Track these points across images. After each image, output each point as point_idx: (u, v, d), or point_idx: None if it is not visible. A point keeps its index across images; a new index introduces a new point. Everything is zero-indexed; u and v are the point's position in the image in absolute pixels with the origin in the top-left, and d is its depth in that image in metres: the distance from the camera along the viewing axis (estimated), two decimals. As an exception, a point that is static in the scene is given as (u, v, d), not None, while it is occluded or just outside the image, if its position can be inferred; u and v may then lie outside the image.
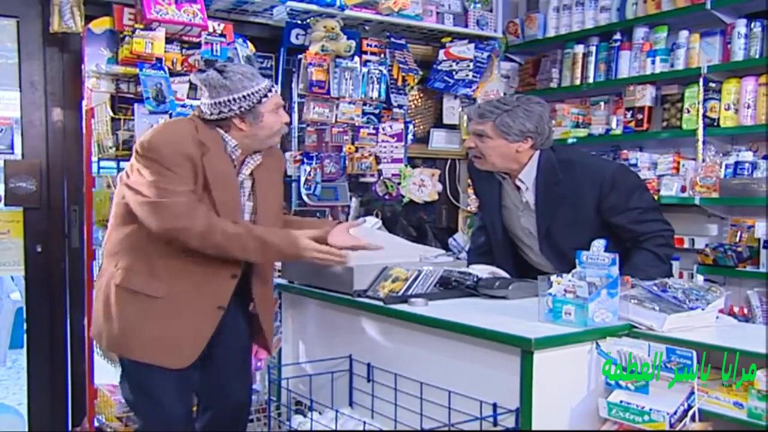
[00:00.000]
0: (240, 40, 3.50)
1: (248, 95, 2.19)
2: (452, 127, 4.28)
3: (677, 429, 1.69)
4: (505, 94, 4.18)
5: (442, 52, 4.16)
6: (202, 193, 2.16)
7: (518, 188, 2.58)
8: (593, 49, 3.89)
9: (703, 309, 1.93)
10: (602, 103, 3.91)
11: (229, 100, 2.18)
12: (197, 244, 2.11)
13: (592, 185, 2.47)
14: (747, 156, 3.26)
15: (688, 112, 3.48)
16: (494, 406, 1.84)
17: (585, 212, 2.48)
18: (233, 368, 2.39)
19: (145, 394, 2.22)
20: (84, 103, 3.23)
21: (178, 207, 2.08)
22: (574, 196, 2.49)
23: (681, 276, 3.39)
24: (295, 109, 3.75)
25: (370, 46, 3.93)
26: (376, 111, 3.94)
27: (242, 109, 2.19)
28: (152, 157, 2.11)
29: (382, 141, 3.90)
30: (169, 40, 3.20)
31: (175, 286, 2.17)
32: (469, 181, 4.19)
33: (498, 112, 2.47)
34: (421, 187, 3.99)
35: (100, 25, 3.25)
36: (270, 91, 2.24)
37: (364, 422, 2.12)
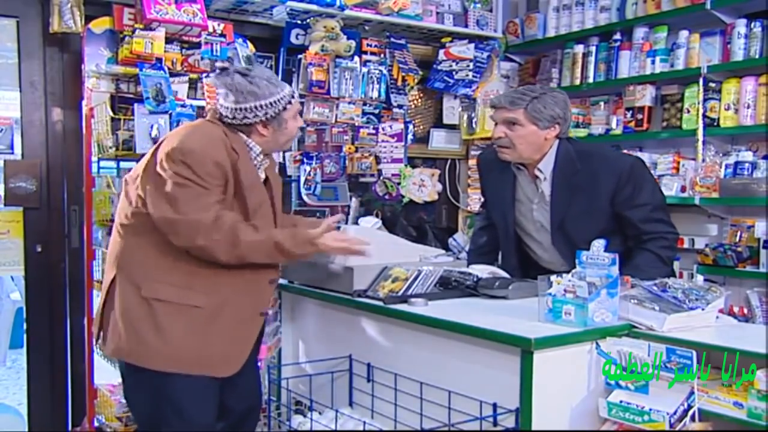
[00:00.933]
0: (240, 40, 3.50)
1: (275, 102, 2.17)
2: (452, 127, 4.28)
3: (677, 429, 1.69)
4: (505, 94, 4.18)
5: (442, 52, 4.16)
6: (233, 200, 2.12)
7: (536, 178, 2.58)
8: (593, 49, 3.89)
9: (703, 309, 1.93)
10: (602, 103, 3.91)
11: (255, 107, 2.15)
12: (225, 259, 2.07)
13: (611, 175, 2.47)
14: (747, 156, 3.26)
15: (688, 112, 3.48)
16: (494, 406, 1.84)
17: (600, 203, 2.48)
18: (249, 370, 2.35)
19: (174, 406, 2.11)
20: (84, 103, 3.23)
21: (201, 224, 2.03)
22: (590, 186, 2.49)
23: (681, 276, 3.39)
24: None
25: (370, 46, 3.93)
26: (376, 111, 3.94)
27: (268, 116, 2.17)
28: (185, 162, 2.05)
29: (382, 141, 3.90)
30: (168, 40, 3.20)
31: (214, 294, 2.11)
32: (468, 176, 4.25)
33: (527, 98, 2.47)
34: (421, 187, 3.99)
35: (100, 25, 3.25)
36: (293, 97, 2.23)
37: (364, 422, 2.12)
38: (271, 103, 2.16)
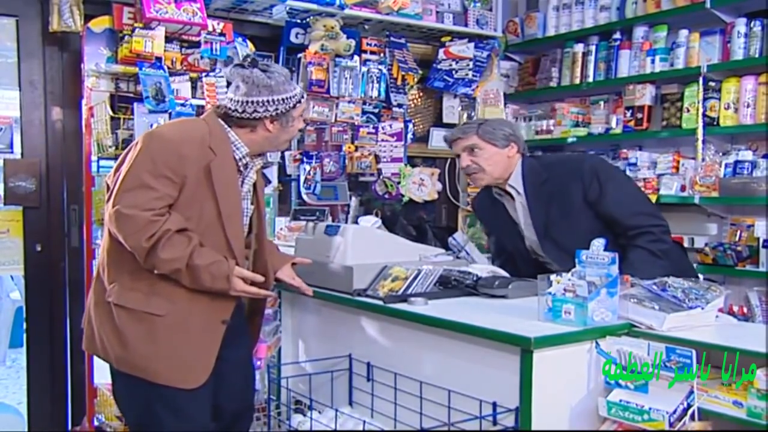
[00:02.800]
0: (239, 39, 3.50)
1: (287, 98, 2.17)
2: (452, 126, 4.26)
3: (677, 428, 1.69)
4: (504, 94, 4.18)
5: (441, 51, 4.16)
6: (202, 201, 2.09)
7: (512, 198, 2.66)
8: (593, 48, 3.89)
9: (702, 308, 1.93)
10: (602, 103, 3.91)
11: (268, 101, 2.15)
12: (143, 264, 2.04)
13: (574, 178, 2.55)
14: (746, 155, 3.27)
15: (688, 111, 3.48)
16: (494, 405, 1.84)
17: (575, 206, 2.54)
18: (241, 369, 2.35)
19: (171, 413, 2.10)
20: (83, 102, 3.23)
21: (137, 222, 1.99)
22: (561, 192, 2.57)
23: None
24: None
25: (370, 45, 3.93)
26: (376, 110, 3.94)
27: (278, 111, 2.17)
28: (151, 145, 2.04)
29: (382, 140, 3.90)
30: (168, 39, 3.20)
31: (176, 302, 2.08)
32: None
33: (475, 125, 2.65)
34: (421, 186, 3.99)
35: (100, 24, 3.25)
36: (303, 96, 2.24)
37: (364, 421, 2.12)
38: (283, 99, 2.17)
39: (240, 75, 2.15)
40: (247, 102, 2.15)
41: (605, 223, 2.53)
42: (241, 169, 2.22)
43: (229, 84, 2.28)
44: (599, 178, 2.53)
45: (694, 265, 3.35)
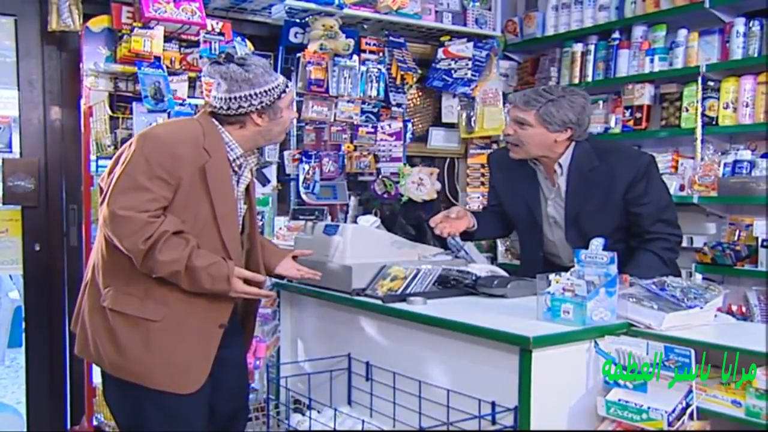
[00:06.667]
0: (238, 39, 3.49)
1: (270, 90, 2.14)
2: (451, 126, 4.28)
3: (675, 427, 1.69)
4: (504, 93, 4.18)
5: (440, 50, 4.16)
6: (197, 203, 2.07)
7: (553, 173, 2.61)
8: (592, 47, 3.89)
9: (701, 307, 1.93)
10: (601, 102, 3.90)
11: (250, 95, 2.12)
12: (140, 267, 2.01)
13: (629, 170, 2.50)
14: (745, 155, 3.27)
15: (687, 110, 3.48)
16: (493, 404, 1.84)
17: (615, 198, 2.52)
18: (235, 370, 2.34)
19: (167, 418, 2.08)
20: (82, 101, 3.23)
21: (133, 223, 1.96)
22: (607, 181, 2.52)
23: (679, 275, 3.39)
24: (294, 107, 3.74)
25: (369, 44, 3.93)
26: (375, 109, 3.93)
27: (263, 104, 2.14)
28: (144, 146, 2.02)
29: (381, 140, 3.89)
30: (167, 39, 3.20)
31: (173, 307, 2.06)
32: (467, 174, 4.25)
33: (542, 101, 2.49)
34: (420, 185, 3.98)
35: (99, 23, 3.25)
36: (287, 86, 2.21)
37: (363, 421, 2.12)
38: (266, 91, 2.13)
39: (218, 72, 2.13)
40: (230, 98, 2.12)
41: (628, 222, 2.53)
42: (236, 169, 2.21)
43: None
44: (649, 177, 2.51)
45: (693, 265, 3.38)
